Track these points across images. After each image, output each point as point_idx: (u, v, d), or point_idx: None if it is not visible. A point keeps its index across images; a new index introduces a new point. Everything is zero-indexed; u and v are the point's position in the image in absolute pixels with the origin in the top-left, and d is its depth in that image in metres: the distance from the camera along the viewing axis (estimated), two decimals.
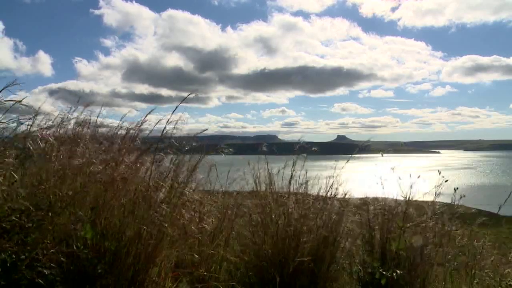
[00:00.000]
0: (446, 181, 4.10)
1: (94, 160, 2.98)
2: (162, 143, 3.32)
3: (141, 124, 3.41)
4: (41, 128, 3.39)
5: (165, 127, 3.27)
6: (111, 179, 2.88)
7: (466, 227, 4.55)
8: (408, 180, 4.10)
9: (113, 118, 3.82)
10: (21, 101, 3.03)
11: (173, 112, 3.28)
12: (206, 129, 3.53)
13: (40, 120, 3.56)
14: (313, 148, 4.01)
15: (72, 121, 3.76)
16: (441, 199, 4.24)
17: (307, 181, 4.01)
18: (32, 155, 3.02)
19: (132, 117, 3.85)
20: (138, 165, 3.20)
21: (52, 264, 2.42)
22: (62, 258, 2.47)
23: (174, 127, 3.28)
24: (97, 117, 3.88)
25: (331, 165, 4.19)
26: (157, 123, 3.37)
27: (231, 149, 3.75)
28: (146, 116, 3.41)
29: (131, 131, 3.46)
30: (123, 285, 2.76)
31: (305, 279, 3.58)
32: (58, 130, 3.59)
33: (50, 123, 3.64)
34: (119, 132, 3.60)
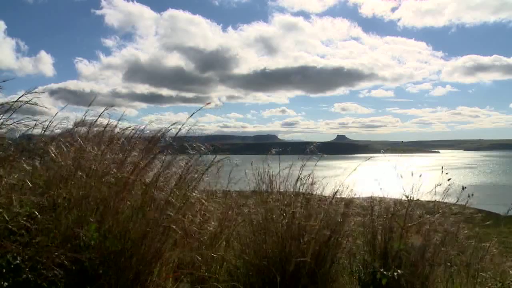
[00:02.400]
0: (449, 179, 4.09)
1: (106, 162, 2.99)
2: (170, 144, 3.38)
3: (133, 124, 3.51)
4: (48, 129, 3.41)
5: (179, 130, 3.36)
6: (123, 182, 2.87)
7: (468, 227, 4.53)
8: (410, 180, 4.09)
9: (113, 118, 3.83)
10: (29, 101, 3.03)
11: (190, 116, 3.47)
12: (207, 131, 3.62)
13: (45, 122, 3.56)
14: (309, 147, 4.05)
15: (73, 121, 3.76)
16: (444, 198, 4.23)
17: (309, 181, 4.02)
18: (41, 156, 3.03)
19: (132, 117, 3.89)
20: (147, 167, 3.21)
21: (54, 267, 2.41)
22: (65, 261, 2.46)
23: (188, 130, 3.41)
24: (96, 117, 3.89)
25: (331, 165, 4.18)
26: (152, 120, 3.44)
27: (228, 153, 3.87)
28: (141, 115, 3.51)
29: (136, 133, 3.51)
30: (125, 285, 2.76)
31: (306, 279, 3.58)
32: (66, 131, 3.60)
33: (55, 124, 3.65)
34: (125, 133, 3.62)
